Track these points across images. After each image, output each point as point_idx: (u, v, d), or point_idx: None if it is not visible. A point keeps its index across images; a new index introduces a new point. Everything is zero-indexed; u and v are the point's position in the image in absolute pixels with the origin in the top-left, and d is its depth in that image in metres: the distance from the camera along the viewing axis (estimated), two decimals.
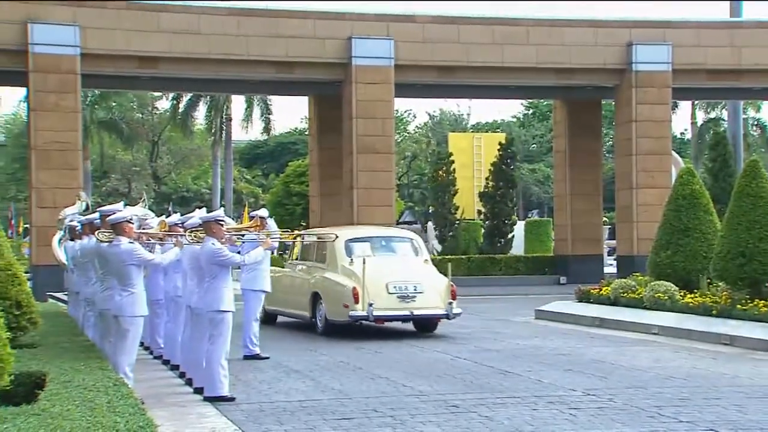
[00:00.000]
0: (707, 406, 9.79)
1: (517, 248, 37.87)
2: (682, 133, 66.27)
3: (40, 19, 26.38)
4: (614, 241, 34.86)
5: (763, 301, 16.08)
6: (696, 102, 55.20)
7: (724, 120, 51.52)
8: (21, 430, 5.77)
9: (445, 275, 16.92)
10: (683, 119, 63.67)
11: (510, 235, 36.73)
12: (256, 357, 13.76)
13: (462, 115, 73.04)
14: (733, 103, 36.76)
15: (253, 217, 13.45)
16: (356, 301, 15.87)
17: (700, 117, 60.03)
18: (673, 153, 33.31)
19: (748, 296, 16.46)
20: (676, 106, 48.70)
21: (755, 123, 60.16)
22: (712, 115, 58.68)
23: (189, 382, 11.07)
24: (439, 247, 37.28)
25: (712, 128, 53.66)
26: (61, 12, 26.75)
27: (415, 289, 16.40)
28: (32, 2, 26.70)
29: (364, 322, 16.14)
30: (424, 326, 17.30)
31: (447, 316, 16.62)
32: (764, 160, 24.80)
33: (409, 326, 17.70)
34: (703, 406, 9.79)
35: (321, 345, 15.55)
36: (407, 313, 16.48)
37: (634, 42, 30.34)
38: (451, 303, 16.48)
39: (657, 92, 30.55)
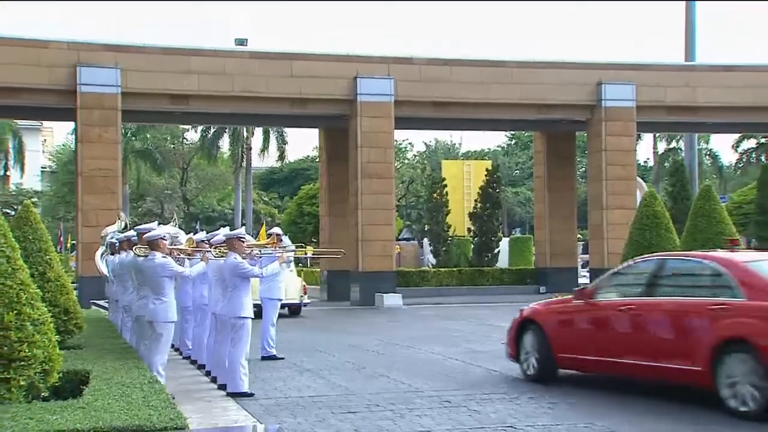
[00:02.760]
0: (670, 398, 9.76)
1: (503, 261, 37.90)
2: (645, 161, 66.33)
3: (87, 63, 26.52)
4: (587, 255, 34.82)
5: None
6: (657, 134, 55.31)
7: (681, 150, 51.57)
8: (68, 422, 5.77)
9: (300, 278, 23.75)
10: (646, 149, 63.66)
11: (496, 250, 36.74)
12: (273, 357, 13.72)
13: (454, 144, 73.21)
14: (689, 135, 36.81)
15: (270, 234, 13.47)
16: None
17: (661, 147, 60.19)
18: (638, 178, 33.33)
19: None
20: (640, 138, 48.79)
21: (708, 153, 60.30)
22: (671, 145, 58.76)
23: (214, 380, 11.07)
24: (433, 261, 37.28)
25: (671, 157, 53.72)
26: (105, 57, 26.88)
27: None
28: (81, 49, 26.90)
29: None
30: (292, 311, 22.97)
31: (300, 304, 23.23)
32: (716, 186, 24.82)
33: (414, 333, 17.76)
34: (668, 397, 9.77)
35: (330, 347, 15.53)
36: None
37: (603, 82, 30.42)
38: (302, 296, 23.46)
39: (623, 125, 30.60)
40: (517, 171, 72.79)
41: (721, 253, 10.45)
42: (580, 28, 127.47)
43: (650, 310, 10.17)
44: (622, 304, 10.54)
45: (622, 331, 10.48)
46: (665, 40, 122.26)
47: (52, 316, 7.32)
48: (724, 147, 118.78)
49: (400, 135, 63.06)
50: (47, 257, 10.49)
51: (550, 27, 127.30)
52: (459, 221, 38.76)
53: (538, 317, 11.72)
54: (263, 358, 13.60)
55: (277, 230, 13.75)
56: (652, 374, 10.13)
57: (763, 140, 58.84)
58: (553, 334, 11.24)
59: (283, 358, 13.65)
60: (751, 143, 59.17)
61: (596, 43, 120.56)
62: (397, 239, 40.80)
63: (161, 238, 9.92)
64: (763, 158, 57.25)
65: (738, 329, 9.06)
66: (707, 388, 9.26)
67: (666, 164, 53.52)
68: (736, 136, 56.57)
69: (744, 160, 60.15)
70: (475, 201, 37.20)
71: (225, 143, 51.06)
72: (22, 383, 6.60)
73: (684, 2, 34.24)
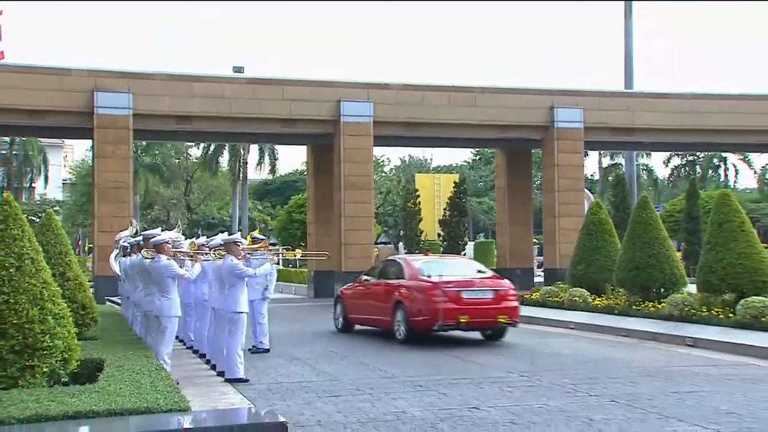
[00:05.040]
0: (610, 382, 9.84)
1: None
2: (591, 175, 66.77)
3: (103, 89, 26.41)
4: (542, 258, 34.98)
5: (651, 303, 16.22)
6: (601, 151, 55.74)
7: (622, 165, 52.01)
8: (85, 404, 5.74)
9: None
10: (592, 164, 64.10)
11: (463, 253, 36.80)
12: (263, 349, 13.59)
13: (426, 160, 73.39)
14: (628, 152, 37.11)
15: (255, 239, 13.45)
16: None
17: (605, 163, 60.70)
18: (585, 190, 33.51)
19: (641, 299, 16.61)
20: (587, 155, 49.15)
21: (644, 168, 60.84)
22: (614, 161, 59.22)
23: (213, 368, 11.01)
24: None
25: (614, 171, 54.15)
26: (119, 83, 26.78)
27: None
28: (98, 77, 26.81)
29: None
30: None
31: None
32: (651, 197, 25.03)
33: None
34: (607, 383, 9.84)
35: (316, 338, 15.49)
36: None
37: (555, 106, 30.59)
38: None
39: (572, 144, 30.78)
40: (481, 183, 73.04)
41: (404, 255, 16.26)
42: (534, 57, 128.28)
43: (379, 287, 15.45)
44: (371, 284, 15.88)
45: (370, 301, 15.59)
46: (609, 68, 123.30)
47: (71, 311, 7.29)
48: (659, 163, 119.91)
49: (379, 151, 63.11)
50: (67, 259, 10.43)
51: (509, 55, 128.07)
52: (430, 227, 38.89)
53: (342, 293, 16.87)
54: (256, 350, 13.47)
55: (254, 234, 13.94)
56: (382, 325, 15.14)
57: (690, 158, 59.53)
58: (347, 304, 16.43)
59: (269, 350, 13.48)
60: (680, 160, 59.94)
61: (549, 70, 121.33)
62: (376, 243, 40.72)
63: (165, 243, 9.89)
64: (690, 173, 57.95)
65: (400, 296, 14.52)
66: (391, 330, 14.59)
67: (609, 178, 53.92)
68: (668, 153, 57.22)
69: (674, 174, 60.83)
70: (444, 209, 37.32)
71: (224, 158, 50.95)
72: (44, 370, 6.58)
73: (623, 37, 34.51)
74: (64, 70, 26.64)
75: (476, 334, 15.05)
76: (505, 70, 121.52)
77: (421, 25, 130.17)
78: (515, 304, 14.53)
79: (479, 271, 15.46)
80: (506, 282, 14.88)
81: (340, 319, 16.61)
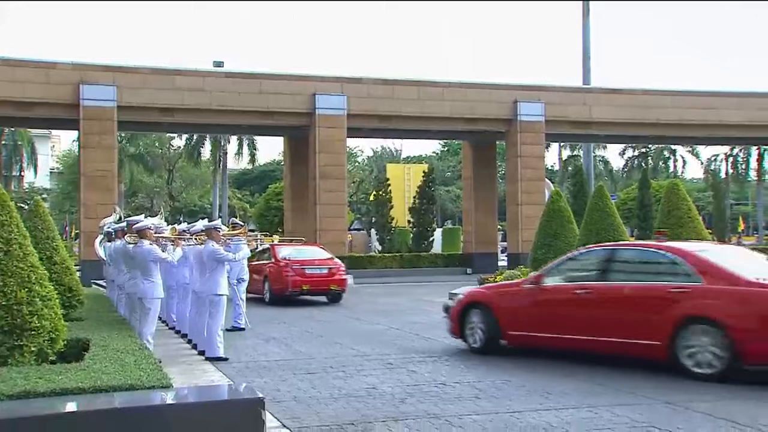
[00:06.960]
0: (568, 360, 9.92)
1: (437, 248, 38.12)
2: (552, 166, 67.07)
3: (89, 82, 26.15)
4: (506, 243, 35.21)
5: None
6: (561, 143, 56.06)
7: (580, 157, 52.35)
8: (72, 381, 5.70)
9: None
10: (553, 156, 64.44)
11: (431, 239, 36.94)
12: (240, 328, 13.56)
13: (397, 150, 73.35)
14: (586, 144, 37.42)
15: (235, 225, 13.40)
16: None
17: (565, 154, 61.02)
18: (546, 180, 33.75)
19: None
20: (548, 146, 49.39)
21: (601, 159, 61.33)
22: (573, 153, 59.60)
23: (194, 347, 10.98)
24: (379, 247, 37.36)
25: (572, 162, 54.49)
26: (104, 76, 26.49)
27: None
28: (84, 70, 26.48)
29: None
30: None
31: None
32: (607, 186, 25.29)
33: (362, 307, 17.88)
34: (563, 360, 9.92)
35: (292, 320, 15.49)
36: None
37: (519, 100, 30.76)
38: None
39: (534, 136, 30.99)
40: (449, 173, 73.22)
41: (275, 244, 19.24)
42: (497, 54, 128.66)
43: (256, 266, 17.97)
44: (252, 264, 16.75)
45: (251, 276, 16.55)
46: (569, 64, 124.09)
47: (58, 293, 7.22)
48: (614, 154, 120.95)
49: (352, 143, 62.98)
50: (54, 244, 10.32)
51: (474, 52, 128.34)
52: (400, 214, 38.92)
53: (253, 268, 18.34)
54: (234, 329, 13.46)
55: (235, 220, 13.90)
56: (258, 293, 18.61)
57: (643, 150, 60.14)
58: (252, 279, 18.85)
59: (244, 329, 13.48)
60: (634, 152, 60.51)
61: (512, 67, 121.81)
62: (349, 229, 40.78)
63: (148, 228, 9.83)
64: (642, 164, 58.53)
65: (267, 272, 18.91)
66: (263, 297, 18.77)
67: (568, 168, 54.30)
68: (622, 146, 57.76)
69: (628, 165, 61.42)
70: (414, 198, 37.38)
71: (205, 148, 50.52)
72: (32, 349, 6.52)
73: (581, 35, 34.70)
74: (50, 64, 26.30)
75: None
76: (471, 66, 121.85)
77: (388, 23, 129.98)
78: (344, 277, 19.03)
79: (322, 255, 19.53)
80: (338, 261, 19.36)
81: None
